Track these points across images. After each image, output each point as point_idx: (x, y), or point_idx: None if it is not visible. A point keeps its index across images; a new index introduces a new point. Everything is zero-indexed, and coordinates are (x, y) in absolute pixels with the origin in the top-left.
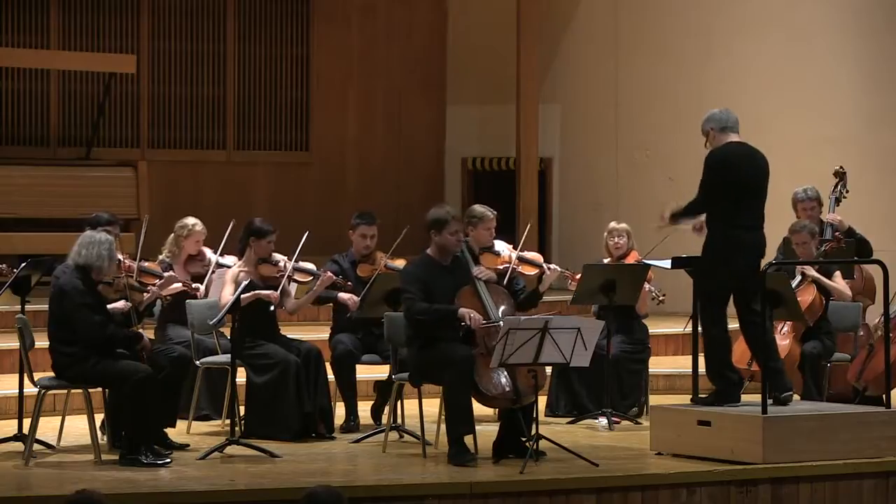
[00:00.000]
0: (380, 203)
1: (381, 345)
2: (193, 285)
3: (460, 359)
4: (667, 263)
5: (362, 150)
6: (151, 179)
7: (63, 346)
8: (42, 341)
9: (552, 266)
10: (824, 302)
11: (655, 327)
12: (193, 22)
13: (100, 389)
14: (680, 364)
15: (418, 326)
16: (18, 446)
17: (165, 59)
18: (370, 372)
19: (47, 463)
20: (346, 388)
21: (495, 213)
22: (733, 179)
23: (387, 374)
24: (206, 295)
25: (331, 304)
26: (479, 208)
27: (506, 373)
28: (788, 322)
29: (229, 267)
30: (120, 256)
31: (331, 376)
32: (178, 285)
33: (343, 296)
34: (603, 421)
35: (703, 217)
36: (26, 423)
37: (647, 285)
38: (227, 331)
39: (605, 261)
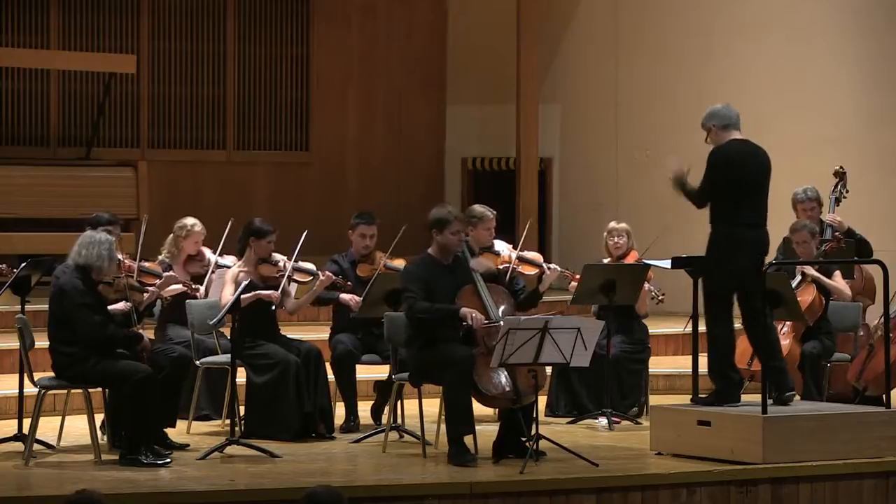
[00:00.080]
0: (380, 203)
1: (381, 345)
2: (193, 286)
3: (460, 359)
4: (667, 263)
5: (362, 150)
6: (151, 179)
7: (63, 346)
8: (42, 341)
9: (552, 266)
10: (824, 302)
11: (655, 327)
12: (193, 22)
13: (100, 389)
14: (680, 364)
15: (419, 325)
16: (18, 446)
17: (165, 59)
18: (370, 372)
19: (47, 463)
20: (346, 388)
21: (495, 212)
22: (736, 178)
23: (387, 374)
24: (205, 295)
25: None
26: (478, 208)
27: (506, 373)
28: (788, 322)
29: (228, 267)
30: (120, 256)
31: (331, 376)
32: (178, 286)
33: (345, 297)
34: (603, 421)
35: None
36: (26, 423)
37: (646, 285)
38: (227, 331)
39: (605, 261)
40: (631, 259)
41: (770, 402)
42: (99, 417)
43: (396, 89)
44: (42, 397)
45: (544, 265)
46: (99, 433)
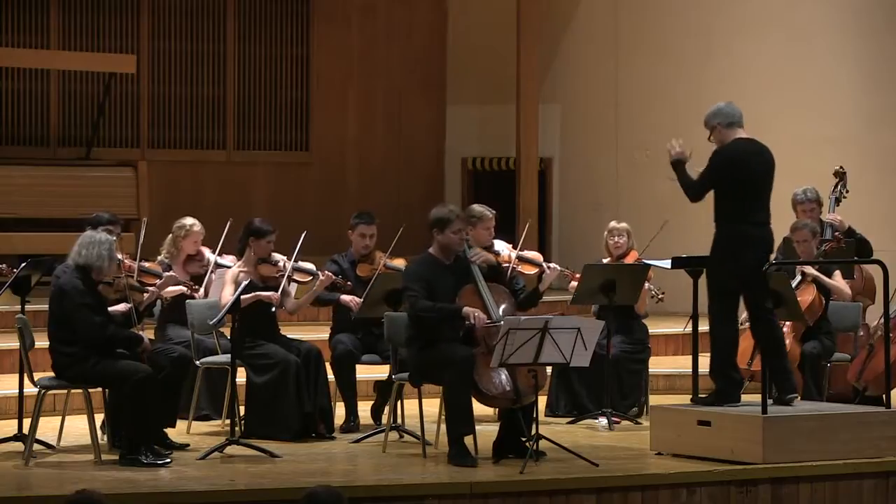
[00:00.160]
0: (380, 203)
1: (381, 345)
2: (194, 286)
3: (460, 359)
4: (667, 263)
5: (362, 150)
6: (151, 179)
7: (63, 346)
8: (42, 341)
9: (552, 265)
10: (824, 302)
11: (655, 327)
12: (193, 22)
13: (100, 389)
14: (680, 364)
15: (421, 325)
16: (18, 446)
17: (165, 59)
18: (370, 372)
19: (47, 463)
20: (346, 388)
21: (494, 212)
22: (742, 177)
23: (387, 374)
24: (205, 295)
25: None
26: (477, 208)
27: (506, 372)
28: (788, 322)
29: (228, 267)
30: (120, 256)
31: (331, 376)
32: (178, 287)
33: (345, 298)
34: (603, 421)
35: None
36: (26, 423)
37: (646, 284)
38: (227, 331)
39: (605, 260)
40: (631, 259)
41: (770, 402)
42: (99, 417)
43: (396, 89)
44: (42, 397)
45: (544, 264)
46: (99, 433)
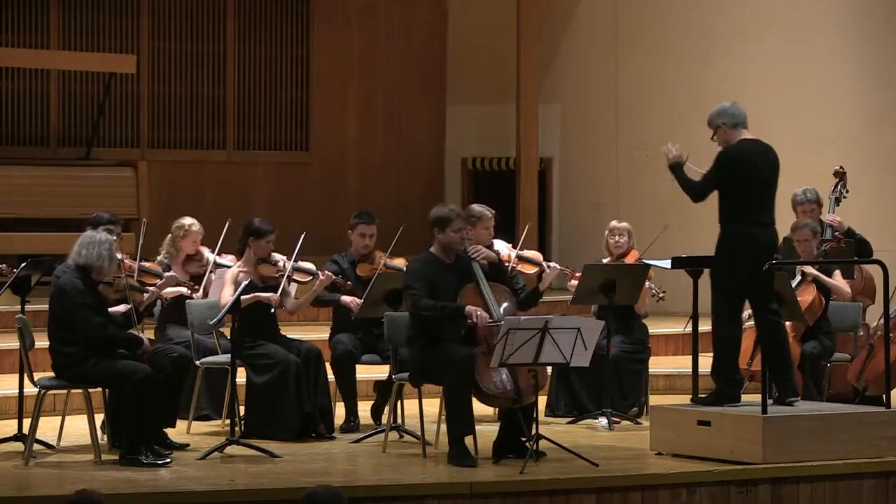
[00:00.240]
0: (380, 203)
1: (381, 345)
2: (194, 286)
3: (461, 359)
4: (667, 263)
5: (362, 150)
6: (151, 179)
7: (63, 346)
8: (42, 341)
9: (552, 264)
10: (824, 302)
11: (655, 327)
12: (193, 22)
13: (100, 389)
14: (680, 364)
15: (422, 323)
16: (18, 446)
17: (165, 59)
18: (370, 372)
19: (47, 463)
20: (346, 388)
21: (493, 212)
22: (748, 178)
23: (387, 374)
24: (204, 295)
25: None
26: (477, 207)
27: (507, 372)
28: (788, 322)
29: (228, 267)
30: (120, 256)
31: (331, 376)
32: (179, 288)
33: (345, 299)
34: (603, 421)
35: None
36: (26, 423)
37: (647, 283)
38: (227, 331)
39: (605, 260)
40: (631, 258)
41: (770, 402)
42: (99, 417)
43: (396, 89)
44: (42, 397)
45: (544, 264)
46: (99, 433)
